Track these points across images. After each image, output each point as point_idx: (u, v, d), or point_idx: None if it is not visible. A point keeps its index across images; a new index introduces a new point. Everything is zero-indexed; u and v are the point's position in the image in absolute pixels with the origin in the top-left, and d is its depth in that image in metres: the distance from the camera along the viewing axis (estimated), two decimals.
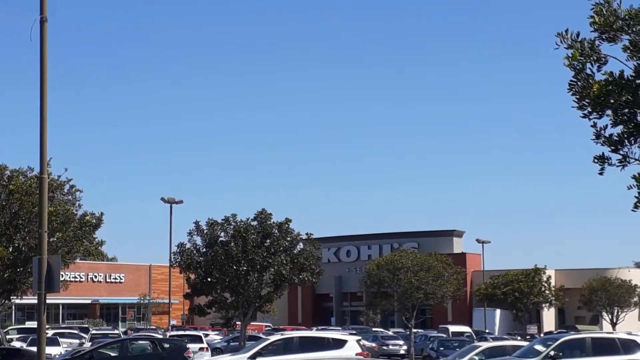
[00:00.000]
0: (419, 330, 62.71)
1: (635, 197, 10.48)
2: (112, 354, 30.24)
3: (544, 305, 77.02)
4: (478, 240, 77.48)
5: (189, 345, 33.78)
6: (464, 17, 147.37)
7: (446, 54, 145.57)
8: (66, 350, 37.63)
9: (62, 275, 20.16)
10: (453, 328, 60.92)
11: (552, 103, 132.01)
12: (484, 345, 31.18)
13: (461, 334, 56.82)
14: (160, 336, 43.89)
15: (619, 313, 74.75)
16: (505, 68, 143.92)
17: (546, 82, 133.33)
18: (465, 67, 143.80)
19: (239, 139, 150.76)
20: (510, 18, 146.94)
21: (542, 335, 58.31)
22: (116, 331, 59.30)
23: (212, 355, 39.25)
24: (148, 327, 77.41)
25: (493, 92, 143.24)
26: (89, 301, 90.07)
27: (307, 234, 40.64)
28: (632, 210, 10.58)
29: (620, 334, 34.16)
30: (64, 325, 70.73)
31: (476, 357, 28.32)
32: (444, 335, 53.76)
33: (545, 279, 75.84)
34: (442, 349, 42.63)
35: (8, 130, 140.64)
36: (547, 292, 75.70)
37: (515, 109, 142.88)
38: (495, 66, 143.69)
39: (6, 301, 34.95)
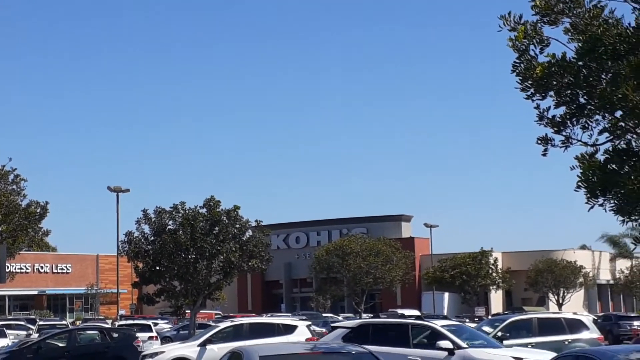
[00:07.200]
0: (369, 315, 63.07)
1: (578, 177, 10.65)
2: (60, 344, 29.94)
3: (491, 287, 78.02)
4: (426, 225, 77.96)
5: (138, 335, 33.52)
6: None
7: (399, 47, 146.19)
8: (13, 342, 37.12)
9: (8, 267, 19.86)
10: (402, 312, 61.37)
11: (495, 85, 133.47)
12: None
13: (410, 317, 57.23)
14: (109, 326, 43.54)
15: (565, 294, 75.96)
16: (451, 64, 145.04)
17: (489, 67, 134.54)
18: (410, 60, 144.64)
19: (185, 127, 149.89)
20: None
21: (489, 317, 59.03)
22: (64, 322, 58.70)
23: (162, 343, 39.02)
24: (96, 317, 76.71)
25: (436, 78, 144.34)
26: (36, 292, 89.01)
27: (256, 220, 40.57)
28: (575, 191, 10.74)
29: (565, 314, 34.75)
30: (10, 317, 69.82)
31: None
32: None
33: (492, 261, 76.82)
34: None
35: None
36: (494, 274, 76.70)
37: (459, 93, 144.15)
38: (439, 63, 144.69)
39: None
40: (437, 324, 20.76)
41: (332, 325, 25.13)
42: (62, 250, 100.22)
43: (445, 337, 19.03)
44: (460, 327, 20.83)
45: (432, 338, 19.43)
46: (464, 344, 18.81)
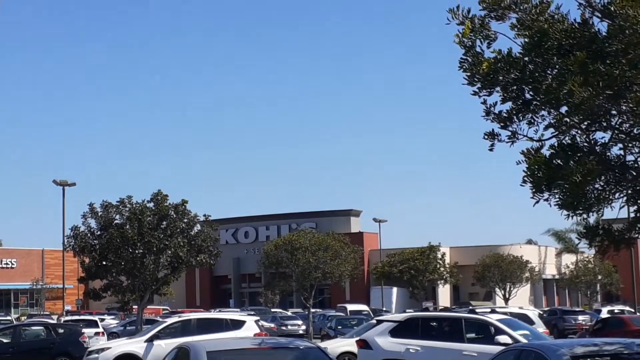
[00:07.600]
0: (318, 310, 63.14)
1: (524, 171, 10.74)
2: (5, 340, 29.61)
3: (439, 282, 78.59)
4: (375, 220, 78.37)
5: (84, 330, 33.25)
6: None
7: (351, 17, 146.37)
8: None
9: None
10: (351, 307, 61.54)
11: (443, 81, 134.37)
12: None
13: (359, 312, 57.43)
14: (54, 321, 43.06)
15: (512, 289, 76.78)
16: (401, 56, 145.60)
17: (438, 61, 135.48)
18: (361, 36, 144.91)
19: (133, 120, 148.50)
20: None
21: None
22: (8, 317, 57.97)
23: (109, 339, 38.68)
24: (42, 312, 75.85)
25: (384, 72, 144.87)
26: None
27: (204, 215, 40.42)
28: (521, 185, 10.83)
29: (512, 308, 35.19)
30: None
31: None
32: (342, 314, 54.25)
33: (440, 256, 77.39)
34: (340, 327, 42.97)
35: None
36: (441, 269, 77.28)
37: (407, 87, 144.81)
38: (384, 57, 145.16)
39: None
40: (493, 317, 19.99)
41: (377, 319, 24.06)
42: (6, 244, 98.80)
43: (504, 332, 18.27)
44: (509, 320, 20.03)
45: (488, 333, 18.71)
46: (523, 340, 18.07)
